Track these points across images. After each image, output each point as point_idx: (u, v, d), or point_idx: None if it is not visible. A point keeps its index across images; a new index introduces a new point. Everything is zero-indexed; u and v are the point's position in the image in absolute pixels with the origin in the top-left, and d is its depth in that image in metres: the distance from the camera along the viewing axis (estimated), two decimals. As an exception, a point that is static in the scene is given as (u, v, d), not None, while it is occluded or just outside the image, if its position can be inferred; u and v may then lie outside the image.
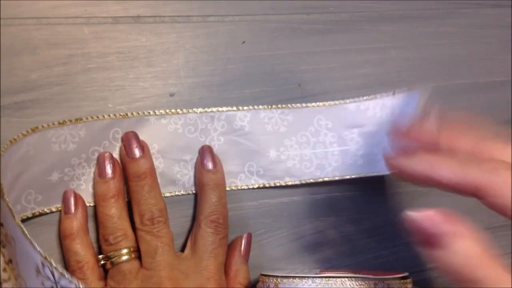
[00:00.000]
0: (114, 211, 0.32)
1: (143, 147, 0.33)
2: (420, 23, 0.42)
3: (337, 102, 0.38)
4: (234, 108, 0.35)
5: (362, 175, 0.37)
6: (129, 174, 0.32)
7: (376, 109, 0.38)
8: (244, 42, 0.37)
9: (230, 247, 0.34)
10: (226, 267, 0.33)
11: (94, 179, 0.33)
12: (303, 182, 0.37)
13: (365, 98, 0.38)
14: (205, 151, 0.34)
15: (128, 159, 0.32)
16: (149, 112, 0.34)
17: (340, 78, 0.39)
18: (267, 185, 0.36)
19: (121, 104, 0.34)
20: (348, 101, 0.38)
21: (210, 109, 0.35)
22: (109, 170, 0.32)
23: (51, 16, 0.33)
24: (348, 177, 0.37)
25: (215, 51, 0.36)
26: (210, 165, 0.33)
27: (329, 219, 0.39)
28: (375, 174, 0.37)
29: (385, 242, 0.40)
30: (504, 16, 0.44)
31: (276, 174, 0.36)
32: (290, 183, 0.36)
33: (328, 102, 0.37)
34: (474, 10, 0.44)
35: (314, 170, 0.37)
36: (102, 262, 0.31)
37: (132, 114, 0.33)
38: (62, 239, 0.31)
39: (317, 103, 0.37)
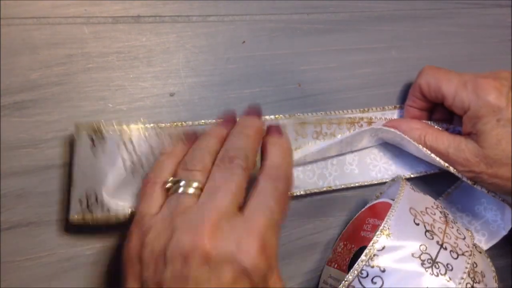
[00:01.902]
0: (207, 146, 0.30)
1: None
2: (420, 23, 0.42)
3: (335, 111, 0.38)
4: None
5: (359, 183, 0.39)
6: (238, 125, 0.32)
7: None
8: (244, 42, 0.37)
9: None
10: None
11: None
12: (307, 192, 0.37)
13: (361, 110, 0.39)
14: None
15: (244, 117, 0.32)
16: None
17: (340, 78, 0.39)
18: None
19: (121, 104, 0.34)
20: (344, 111, 0.38)
21: None
22: (230, 123, 0.32)
23: (51, 16, 0.33)
24: (345, 186, 0.38)
25: (215, 51, 0.36)
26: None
27: (329, 219, 0.39)
28: (368, 183, 0.39)
29: (385, 242, 0.40)
30: (504, 16, 0.44)
31: None
32: (295, 194, 0.37)
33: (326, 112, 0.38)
34: (474, 10, 0.44)
35: (316, 180, 0.37)
36: (169, 184, 0.29)
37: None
38: (161, 153, 0.32)
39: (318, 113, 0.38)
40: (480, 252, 0.36)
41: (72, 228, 0.33)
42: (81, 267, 0.33)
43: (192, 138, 0.32)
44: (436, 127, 0.38)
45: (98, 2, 0.34)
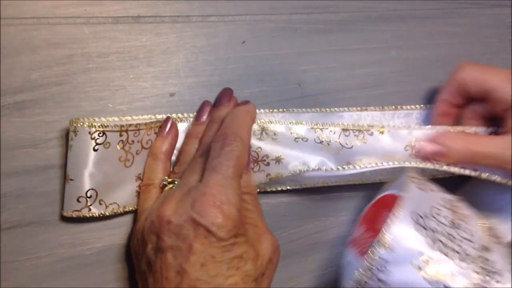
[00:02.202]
0: (190, 149, 0.34)
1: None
2: (420, 23, 0.42)
3: (331, 109, 0.38)
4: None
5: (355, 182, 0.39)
6: (188, 133, 0.35)
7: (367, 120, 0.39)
8: (244, 42, 0.37)
9: None
10: None
11: (191, 122, 0.35)
12: (303, 186, 0.37)
13: (358, 109, 0.39)
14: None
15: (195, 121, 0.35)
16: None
17: (340, 78, 0.39)
18: (268, 190, 0.37)
19: (121, 104, 0.34)
20: (342, 109, 0.38)
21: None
22: (204, 115, 0.35)
23: (51, 16, 0.33)
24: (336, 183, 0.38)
25: (215, 51, 0.36)
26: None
27: (329, 219, 0.39)
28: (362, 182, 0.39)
29: (385, 242, 0.40)
30: (504, 16, 0.44)
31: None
32: (290, 188, 0.37)
33: (328, 109, 0.38)
34: (474, 10, 0.44)
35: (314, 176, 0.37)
36: (164, 183, 0.33)
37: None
38: (148, 155, 0.34)
39: (315, 109, 0.38)
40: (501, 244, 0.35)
41: (72, 228, 0.33)
42: (81, 267, 0.33)
43: (169, 130, 0.34)
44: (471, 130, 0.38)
45: (98, 2, 0.34)
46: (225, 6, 0.37)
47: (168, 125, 0.34)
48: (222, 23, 0.37)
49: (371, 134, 0.36)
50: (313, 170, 0.35)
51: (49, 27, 0.33)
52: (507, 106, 0.36)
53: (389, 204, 0.34)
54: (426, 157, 0.36)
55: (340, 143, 0.36)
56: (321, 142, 0.35)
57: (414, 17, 0.42)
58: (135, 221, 0.34)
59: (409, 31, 0.41)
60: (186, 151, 0.34)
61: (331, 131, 0.36)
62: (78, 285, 0.33)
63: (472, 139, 0.36)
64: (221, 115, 0.34)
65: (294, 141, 0.35)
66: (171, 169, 0.35)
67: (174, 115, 0.35)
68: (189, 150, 0.34)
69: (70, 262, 0.33)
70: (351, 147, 0.36)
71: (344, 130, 0.36)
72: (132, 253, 0.33)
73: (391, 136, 0.36)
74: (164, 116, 0.35)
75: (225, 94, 0.36)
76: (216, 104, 0.36)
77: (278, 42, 0.38)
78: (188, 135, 0.35)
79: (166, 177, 0.33)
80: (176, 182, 0.33)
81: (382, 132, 0.36)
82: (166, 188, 0.33)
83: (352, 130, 0.36)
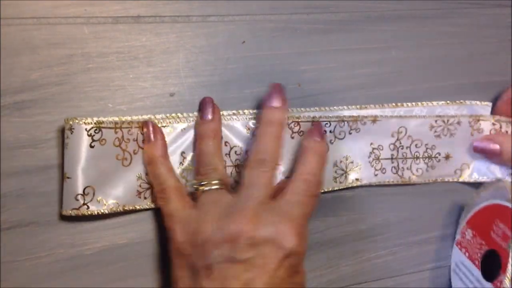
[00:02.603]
0: (209, 149, 0.34)
1: (214, 111, 0.35)
2: (420, 23, 0.42)
3: (331, 108, 0.38)
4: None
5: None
6: (263, 118, 0.34)
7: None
8: (244, 42, 0.37)
9: None
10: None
11: (196, 121, 0.35)
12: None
13: (357, 107, 0.39)
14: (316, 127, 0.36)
15: (267, 106, 0.34)
16: None
17: (340, 78, 0.39)
18: None
19: (121, 104, 0.34)
20: (341, 107, 0.39)
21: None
22: (209, 113, 0.35)
23: (51, 16, 0.33)
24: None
25: (215, 51, 0.36)
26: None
27: (329, 219, 0.39)
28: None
29: (385, 242, 0.40)
30: (504, 16, 0.44)
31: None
32: None
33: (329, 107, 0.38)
34: (474, 10, 0.44)
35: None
36: (194, 187, 0.33)
37: None
38: (147, 165, 0.34)
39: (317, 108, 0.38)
40: None
41: (72, 228, 0.33)
42: (81, 267, 0.33)
43: (154, 134, 0.34)
44: None
45: (98, 2, 0.34)
46: (225, 6, 0.37)
47: (151, 130, 0.34)
48: (222, 23, 0.37)
49: (364, 123, 0.38)
50: None
51: (49, 27, 0.33)
52: None
53: (499, 215, 0.36)
54: (482, 153, 0.40)
55: (334, 135, 0.37)
56: None
57: (414, 17, 0.42)
58: (135, 221, 0.34)
59: (409, 31, 0.41)
60: (205, 151, 0.34)
61: (326, 123, 0.37)
62: (78, 285, 0.33)
63: None
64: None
65: (290, 138, 0.36)
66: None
67: (173, 115, 0.35)
68: (208, 150, 0.34)
69: (70, 262, 0.33)
70: (343, 138, 0.38)
71: (340, 121, 0.37)
72: (174, 250, 0.32)
73: (382, 125, 0.39)
74: (164, 116, 0.35)
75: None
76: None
77: (278, 42, 0.38)
78: (200, 135, 0.35)
79: (194, 180, 0.34)
80: (205, 182, 0.33)
81: (374, 121, 0.38)
82: (200, 190, 0.33)
83: (347, 121, 0.38)
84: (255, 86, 0.37)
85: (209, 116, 0.35)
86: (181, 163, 0.35)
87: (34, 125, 0.32)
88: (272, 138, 0.33)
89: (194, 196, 0.33)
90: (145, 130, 0.34)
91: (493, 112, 0.42)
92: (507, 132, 0.41)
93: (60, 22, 0.33)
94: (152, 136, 0.34)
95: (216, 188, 0.33)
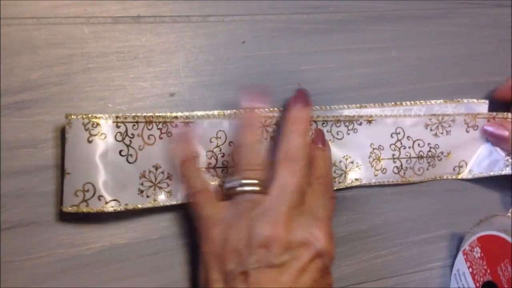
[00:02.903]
0: (255, 148, 0.34)
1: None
2: (420, 23, 0.42)
3: (331, 107, 0.38)
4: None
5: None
6: (289, 118, 0.34)
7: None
8: (244, 42, 0.37)
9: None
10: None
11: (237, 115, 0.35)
12: None
13: (357, 105, 0.39)
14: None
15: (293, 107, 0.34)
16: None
17: (340, 78, 0.39)
18: None
19: (121, 104, 0.34)
20: (341, 106, 0.39)
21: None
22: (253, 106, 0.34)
23: (51, 16, 0.33)
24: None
25: (215, 51, 0.36)
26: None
27: (329, 219, 0.39)
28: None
29: (385, 242, 0.40)
30: (504, 16, 0.44)
31: None
32: None
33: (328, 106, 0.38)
34: (474, 10, 0.44)
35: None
36: (233, 185, 0.33)
37: None
38: (179, 166, 0.34)
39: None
40: None
41: (72, 228, 0.33)
42: (81, 267, 0.33)
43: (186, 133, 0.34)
44: None
45: (98, 2, 0.34)
46: (225, 6, 0.37)
47: (179, 128, 0.34)
48: (222, 23, 0.37)
49: (360, 123, 0.38)
50: None
51: (49, 27, 0.33)
52: None
53: (508, 253, 0.35)
54: (491, 136, 0.41)
55: (332, 135, 0.38)
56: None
57: (414, 17, 0.42)
58: (135, 221, 0.34)
59: (409, 31, 0.41)
60: (248, 150, 0.33)
61: (323, 123, 0.38)
62: (78, 285, 0.33)
63: None
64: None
65: None
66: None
67: (173, 114, 0.34)
68: (252, 150, 0.34)
69: (70, 262, 0.33)
70: (342, 138, 0.38)
71: (336, 121, 0.38)
72: (209, 254, 0.32)
73: (378, 124, 0.39)
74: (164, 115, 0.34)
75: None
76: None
77: (278, 42, 0.38)
78: (244, 133, 0.34)
79: (234, 178, 0.33)
80: (242, 181, 0.32)
81: (370, 122, 0.38)
82: (238, 190, 0.32)
83: (343, 121, 0.38)
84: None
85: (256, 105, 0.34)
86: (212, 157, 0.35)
87: (34, 125, 0.32)
88: (301, 135, 0.33)
89: (226, 192, 0.33)
90: (173, 127, 0.34)
91: (493, 96, 0.42)
92: None
93: (60, 22, 0.33)
94: (179, 135, 0.34)
95: (255, 190, 0.32)
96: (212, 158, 0.35)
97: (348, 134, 0.38)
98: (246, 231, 0.30)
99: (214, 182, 0.35)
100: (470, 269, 0.38)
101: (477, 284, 0.37)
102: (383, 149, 0.39)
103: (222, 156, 0.35)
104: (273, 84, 0.37)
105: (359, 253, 0.39)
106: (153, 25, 0.35)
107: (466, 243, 0.39)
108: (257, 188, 0.32)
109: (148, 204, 0.33)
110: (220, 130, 0.35)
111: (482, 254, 0.38)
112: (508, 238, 0.36)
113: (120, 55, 0.34)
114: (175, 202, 0.34)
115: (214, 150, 0.35)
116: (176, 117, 0.34)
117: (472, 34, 0.43)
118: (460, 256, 0.40)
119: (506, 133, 0.40)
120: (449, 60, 0.42)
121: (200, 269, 0.32)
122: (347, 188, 0.39)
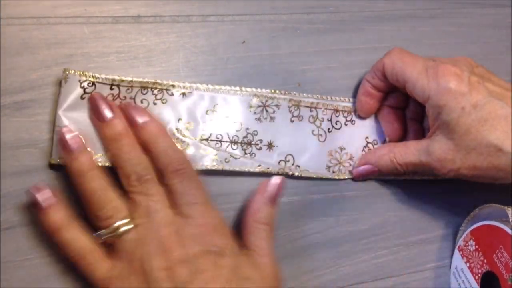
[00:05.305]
0: (96, 184, 0.30)
1: (112, 107, 0.31)
2: (420, 23, 0.42)
3: (331, 97, 0.39)
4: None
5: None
6: (105, 138, 0.31)
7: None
8: (244, 42, 0.37)
9: (256, 189, 0.34)
10: (249, 208, 0.33)
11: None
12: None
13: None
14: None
15: (100, 122, 0.31)
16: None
17: (340, 78, 0.39)
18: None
19: (121, 104, 0.34)
20: (343, 98, 0.39)
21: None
22: (73, 145, 0.31)
23: (51, 16, 0.33)
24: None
25: (215, 51, 0.36)
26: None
27: (329, 219, 0.39)
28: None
29: (385, 242, 0.40)
30: (504, 16, 0.44)
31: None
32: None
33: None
34: (474, 10, 0.44)
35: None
36: (105, 237, 0.30)
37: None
38: (51, 235, 0.30)
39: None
40: None
41: (72, 228, 0.33)
42: (81, 267, 0.33)
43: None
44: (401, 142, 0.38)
45: (98, 2, 0.34)
46: (225, 6, 0.37)
47: (49, 195, 0.30)
48: (222, 23, 0.37)
49: (358, 116, 0.39)
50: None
51: (49, 27, 0.33)
52: (423, 100, 0.34)
53: (503, 242, 0.35)
54: (366, 177, 0.39)
55: (331, 123, 0.38)
56: (314, 121, 0.38)
57: (414, 17, 0.42)
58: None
59: (409, 31, 0.41)
60: (93, 189, 0.30)
61: (323, 111, 0.38)
62: (78, 285, 0.33)
63: (397, 151, 0.36)
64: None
65: (290, 122, 0.37)
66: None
67: (170, 82, 0.34)
68: (96, 187, 0.30)
69: (70, 262, 0.33)
70: (339, 128, 0.38)
71: (335, 111, 0.38)
72: None
73: (374, 117, 0.39)
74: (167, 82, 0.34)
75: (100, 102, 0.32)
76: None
77: (278, 42, 0.38)
78: (77, 173, 0.30)
79: (99, 232, 0.30)
80: (112, 232, 0.30)
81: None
82: (111, 238, 0.30)
83: (342, 111, 0.39)
84: (255, 86, 0.37)
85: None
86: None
87: (34, 125, 0.32)
88: (129, 149, 0.31)
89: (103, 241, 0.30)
90: (39, 196, 0.30)
91: (357, 108, 0.39)
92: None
93: (60, 22, 0.33)
94: (51, 200, 0.30)
95: (127, 229, 0.30)
96: (206, 130, 0.35)
97: (346, 124, 0.39)
98: (144, 274, 0.29)
99: (206, 152, 0.35)
100: (468, 264, 0.38)
101: (476, 277, 0.37)
102: (376, 144, 0.39)
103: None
104: (273, 84, 0.37)
105: (359, 253, 0.39)
106: (153, 25, 0.35)
107: (460, 239, 0.39)
108: (129, 227, 0.30)
109: None
110: (216, 104, 0.35)
111: (477, 246, 0.38)
112: (499, 224, 0.36)
113: (120, 55, 0.34)
114: None
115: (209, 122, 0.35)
116: (173, 85, 0.34)
117: (472, 34, 0.43)
118: (456, 253, 0.40)
119: (374, 167, 0.37)
120: (449, 60, 0.42)
121: None
122: (347, 188, 0.39)
